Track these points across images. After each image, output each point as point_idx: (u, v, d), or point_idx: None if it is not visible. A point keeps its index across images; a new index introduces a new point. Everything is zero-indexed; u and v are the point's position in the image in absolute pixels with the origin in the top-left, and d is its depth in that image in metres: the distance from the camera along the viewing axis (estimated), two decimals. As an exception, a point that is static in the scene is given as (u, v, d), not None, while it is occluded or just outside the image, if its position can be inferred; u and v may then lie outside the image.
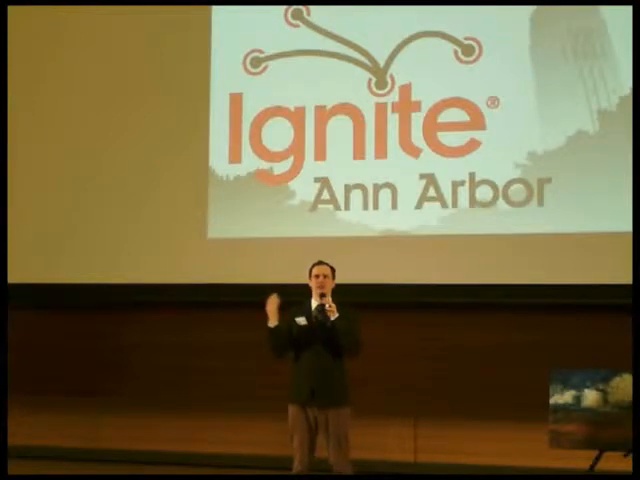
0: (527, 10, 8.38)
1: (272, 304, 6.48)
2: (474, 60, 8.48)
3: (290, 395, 6.50)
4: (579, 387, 7.92)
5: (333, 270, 6.55)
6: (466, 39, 8.48)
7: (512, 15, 8.37)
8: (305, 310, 6.47)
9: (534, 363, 8.51)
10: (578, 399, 7.93)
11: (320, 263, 6.57)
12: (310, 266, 6.64)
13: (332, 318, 6.32)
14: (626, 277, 7.28)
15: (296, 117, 8.83)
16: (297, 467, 6.43)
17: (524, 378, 8.55)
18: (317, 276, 6.46)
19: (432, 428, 8.84)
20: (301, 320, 6.42)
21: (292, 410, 6.46)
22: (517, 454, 8.56)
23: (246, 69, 8.97)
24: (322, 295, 6.39)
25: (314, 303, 6.48)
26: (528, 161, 8.33)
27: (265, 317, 6.55)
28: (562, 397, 7.95)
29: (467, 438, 8.74)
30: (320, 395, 6.33)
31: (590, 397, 7.92)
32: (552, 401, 7.89)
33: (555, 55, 8.31)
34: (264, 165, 8.90)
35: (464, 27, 8.48)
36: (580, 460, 7.85)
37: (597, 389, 7.95)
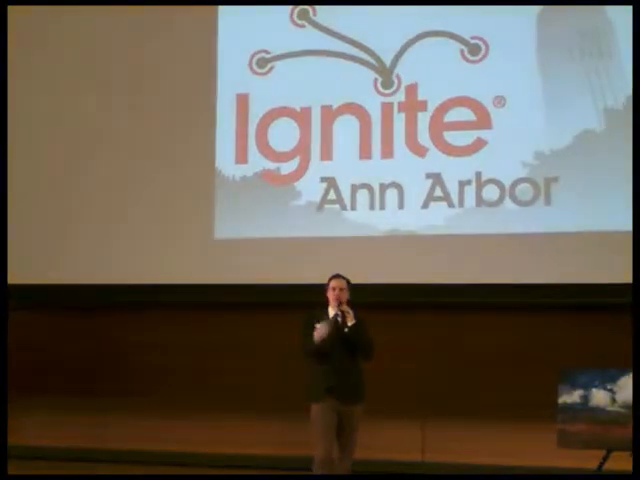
0: (533, 9, 8.36)
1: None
2: (480, 59, 8.46)
3: (313, 395, 6.77)
4: (587, 387, 7.92)
5: (348, 282, 6.94)
6: (472, 38, 8.47)
7: (518, 14, 8.35)
8: (324, 318, 6.84)
9: (542, 363, 8.50)
10: (586, 399, 7.92)
11: (337, 277, 6.94)
12: (328, 279, 6.94)
13: (349, 324, 6.77)
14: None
15: (302, 117, 8.82)
16: (320, 463, 6.66)
17: (532, 378, 8.54)
18: (334, 289, 6.88)
19: (440, 428, 8.84)
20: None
21: (317, 408, 6.72)
22: (525, 454, 8.55)
23: (252, 70, 8.97)
24: (339, 304, 6.84)
25: (331, 312, 6.87)
26: (535, 160, 8.31)
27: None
28: (570, 397, 7.94)
29: (475, 438, 8.73)
30: (345, 392, 6.72)
31: (598, 397, 7.91)
32: (560, 401, 7.88)
33: (562, 54, 8.29)
34: (270, 165, 8.89)
35: (470, 26, 8.45)
36: (588, 460, 7.83)
37: (605, 389, 7.95)
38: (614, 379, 7.94)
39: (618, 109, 8.15)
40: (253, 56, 8.97)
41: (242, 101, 8.95)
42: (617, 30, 8.18)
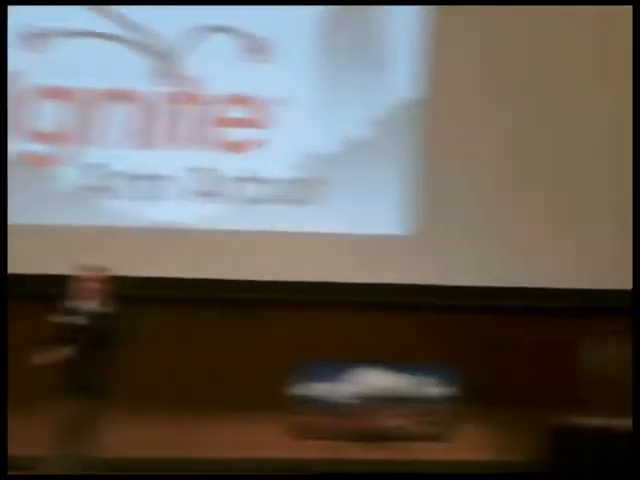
0: (321, 13, 8.46)
1: None
2: (265, 59, 8.45)
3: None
4: (321, 380, 8.55)
5: (101, 273, 7.00)
6: (260, 37, 8.44)
7: (306, 17, 8.44)
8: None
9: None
10: (320, 391, 8.55)
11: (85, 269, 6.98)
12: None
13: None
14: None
15: (75, 99, 8.30)
16: None
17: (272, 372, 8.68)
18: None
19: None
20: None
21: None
22: (258, 445, 8.65)
23: (25, 46, 8.25)
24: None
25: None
26: (310, 162, 8.51)
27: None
28: (305, 389, 8.53)
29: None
30: None
31: (332, 389, 8.57)
32: (295, 392, 8.45)
33: (344, 60, 8.49)
34: (34, 147, 8.29)
35: (258, 25, 8.41)
36: (322, 450, 8.43)
37: (339, 382, 8.59)
38: (347, 373, 8.56)
39: (390, 118, 8.54)
40: (27, 31, 8.26)
41: (12, 78, 8.20)
42: (399, 38, 8.53)
